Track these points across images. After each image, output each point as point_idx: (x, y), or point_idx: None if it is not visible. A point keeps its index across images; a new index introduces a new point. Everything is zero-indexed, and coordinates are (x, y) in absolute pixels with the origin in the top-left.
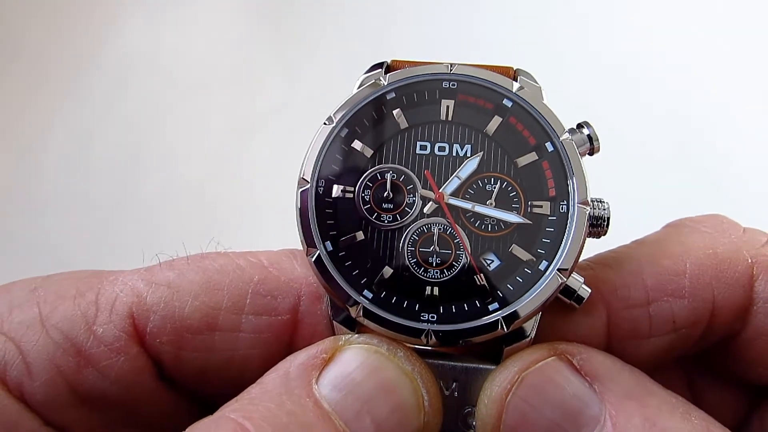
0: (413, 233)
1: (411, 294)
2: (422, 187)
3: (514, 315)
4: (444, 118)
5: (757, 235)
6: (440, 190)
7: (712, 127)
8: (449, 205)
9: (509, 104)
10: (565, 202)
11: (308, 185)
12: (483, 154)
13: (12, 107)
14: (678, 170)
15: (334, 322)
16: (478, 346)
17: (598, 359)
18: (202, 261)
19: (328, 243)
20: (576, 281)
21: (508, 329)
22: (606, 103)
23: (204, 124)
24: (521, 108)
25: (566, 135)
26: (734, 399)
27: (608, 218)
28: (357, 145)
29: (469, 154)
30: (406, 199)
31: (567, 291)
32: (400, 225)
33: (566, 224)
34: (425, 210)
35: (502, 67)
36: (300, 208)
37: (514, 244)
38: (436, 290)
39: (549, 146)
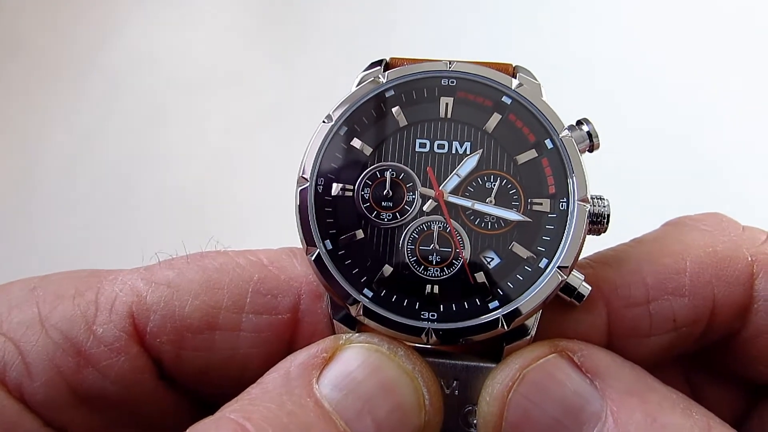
0: (413, 231)
1: (411, 292)
2: (422, 185)
3: (515, 313)
4: (443, 116)
5: (757, 233)
6: (440, 188)
7: (711, 124)
8: (449, 203)
9: (508, 101)
10: (565, 200)
11: (307, 183)
12: (482, 152)
13: (12, 107)
14: (676, 168)
15: (335, 320)
16: (479, 345)
17: (599, 356)
18: (201, 260)
19: (327, 241)
20: (576, 279)
21: (508, 327)
22: (605, 100)
23: (202, 122)
24: (520, 105)
25: (566, 132)
26: (733, 397)
27: (608, 215)
28: (356, 143)
29: (468, 152)
30: (406, 197)
31: (567, 289)
32: (400, 223)
33: (566, 222)
34: (425, 208)
35: (501, 64)
36: (299, 207)
37: (514, 242)
38: (436, 288)
39: (548, 143)
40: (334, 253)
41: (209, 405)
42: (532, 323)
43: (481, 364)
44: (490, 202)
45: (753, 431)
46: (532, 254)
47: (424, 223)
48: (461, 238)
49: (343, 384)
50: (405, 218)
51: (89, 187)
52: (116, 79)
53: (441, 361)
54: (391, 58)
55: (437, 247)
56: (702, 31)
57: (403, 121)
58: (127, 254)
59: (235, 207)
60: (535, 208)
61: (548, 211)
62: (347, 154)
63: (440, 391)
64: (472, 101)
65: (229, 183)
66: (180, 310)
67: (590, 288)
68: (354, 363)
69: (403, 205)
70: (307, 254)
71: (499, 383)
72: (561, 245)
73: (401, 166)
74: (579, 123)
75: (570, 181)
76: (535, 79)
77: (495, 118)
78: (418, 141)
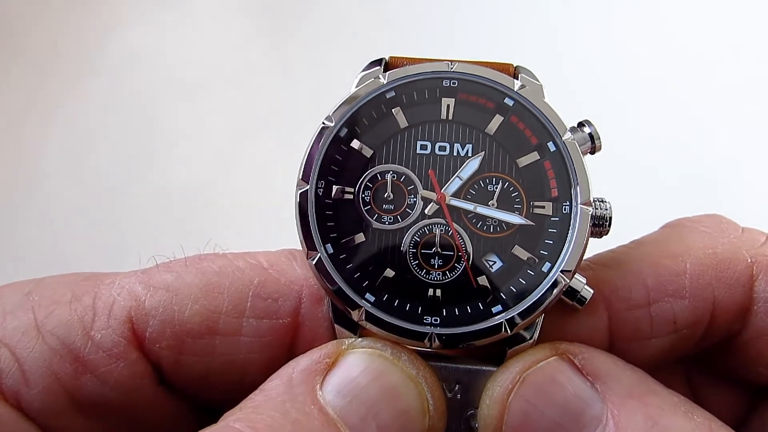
0: (415, 235)
1: (413, 296)
2: (423, 188)
3: (518, 317)
4: (444, 117)
5: (756, 234)
6: (442, 191)
7: (710, 126)
8: (450, 206)
9: (510, 103)
10: (568, 203)
11: (307, 186)
12: (484, 154)
13: (12, 107)
14: (676, 169)
15: (336, 325)
16: (481, 348)
17: (600, 359)
18: (200, 263)
19: (328, 245)
20: (578, 282)
21: (512, 332)
22: (605, 102)
23: (201, 123)
24: (523, 107)
25: (568, 134)
26: (734, 398)
27: (610, 218)
28: (356, 144)
29: (470, 154)
30: (407, 200)
31: (570, 292)
32: (401, 226)
33: (569, 225)
34: (426, 211)
35: (502, 64)
36: (299, 210)
37: (516, 246)
38: (438, 292)
39: (551, 146)
40: (335, 256)
41: (209, 411)
42: (535, 327)
43: (483, 368)
44: (492, 205)
45: None
46: (534, 258)
47: (426, 227)
48: (463, 241)
49: (347, 390)
50: (406, 221)
51: (84, 187)
52: (115, 80)
53: (443, 364)
54: (391, 58)
55: (439, 250)
56: (704, 32)
57: (403, 123)
58: (123, 257)
59: (233, 209)
60: (538, 211)
61: (551, 214)
62: (347, 156)
63: (444, 395)
64: (473, 102)
65: (227, 184)
66: (179, 314)
67: (592, 291)
68: (357, 368)
69: (405, 208)
70: (307, 258)
71: (499, 386)
72: (564, 249)
73: (402, 168)
74: (581, 125)
75: (573, 184)
76: (537, 80)
77: (497, 120)
78: (419, 143)
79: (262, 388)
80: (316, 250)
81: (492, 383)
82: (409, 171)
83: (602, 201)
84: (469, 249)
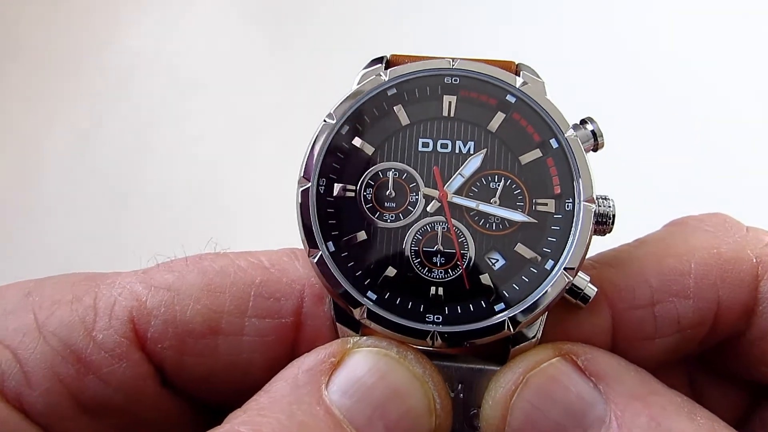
0: (417, 232)
1: (415, 294)
2: (425, 185)
3: (521, 315)
4: (446, 115)
5: (761, 234)
6: (444, 188)
7: (714, 123)
8: (452, 204)
9: (513, 100)
10: (571, 200)
11: (309, 184)
12: (486, 151)
13: (12, 107)
14: (680, 167)
15: (337, 323)
16: (484, 347)
17: (603, 359)
18: (201, 262)
19: (330, 243)
20: (582, 280)
21: (515, 330)
22: (608, 99)
23: (202, 124)
24: (525, 104)
25: (570, 131)
26: (736, 398)
27: (614, 215)
28: (357, 142)
29: (472, 151)
30: (409, 198)
31: (573, 290)
32: (403, 224)
33: (572, 222)
34: (428, 209)
35: (504, 61)
36: (301, 208)
37: (519, 243)
38: (440, 290)
39: (554, 143)
40: (337, 255)
41: (212, 411)
42: (538, 325)
43: (486, 367)
44: (495, 202)
45: None
46: (537, 255)
47: (428, 224)
48: (465, 239)
49: (353, 390)
50: (408, 219)
51: (84, 186)
52: (115, 80)
53: (445, 364)
54: (392, 55)
55: (441, 248)
56: (707, 28)
57: (405, 120)
58: (124, 257)
59: (233, 208)
60: (540, 208)
61: (553, 211)
62: (349, 153)
63: (449, 394)
64: (475, 100)
65: (227, 184)
66: (181, 314)
67: (596, 289)
68: (363, 368)
69: (406, 206)
70: (309, 256)
71: (502, 387)
72: (567, 246)
73: (404, 165)
74: (583, 122)
75: (575, 181)
76: (539, 77)
77: (499, 117)
78: (420, 140)
79: (267, 389)
80: (318, 249)
81: (495, 384)
82: (411, 168)
83: (605, 198)
84: (471, 247)
